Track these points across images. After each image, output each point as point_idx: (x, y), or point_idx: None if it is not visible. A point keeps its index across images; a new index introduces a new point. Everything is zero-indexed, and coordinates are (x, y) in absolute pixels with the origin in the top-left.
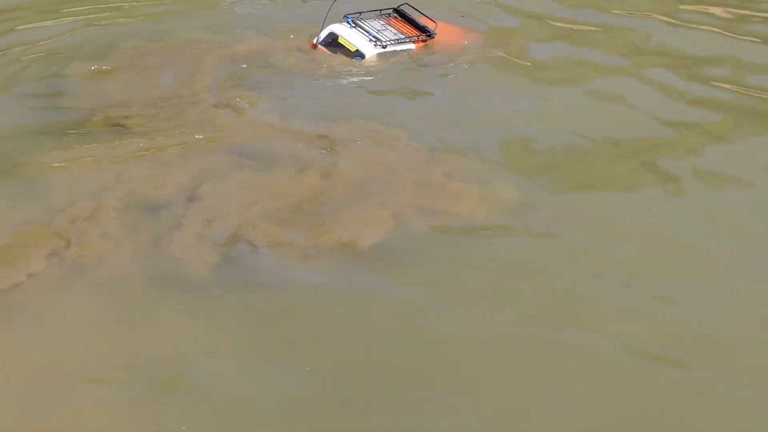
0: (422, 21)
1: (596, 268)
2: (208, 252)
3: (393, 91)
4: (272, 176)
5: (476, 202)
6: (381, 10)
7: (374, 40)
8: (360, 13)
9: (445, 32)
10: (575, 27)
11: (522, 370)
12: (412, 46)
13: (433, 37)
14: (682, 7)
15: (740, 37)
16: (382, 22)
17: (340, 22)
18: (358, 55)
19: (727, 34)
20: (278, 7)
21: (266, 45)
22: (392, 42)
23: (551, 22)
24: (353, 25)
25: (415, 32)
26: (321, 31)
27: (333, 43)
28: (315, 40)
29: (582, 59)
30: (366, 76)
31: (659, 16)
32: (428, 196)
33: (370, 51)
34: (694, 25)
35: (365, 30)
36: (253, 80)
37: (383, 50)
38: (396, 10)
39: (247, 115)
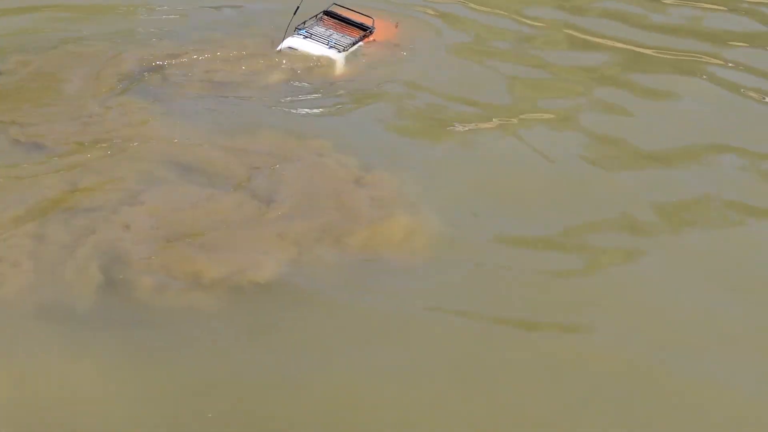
0: (356, 18)
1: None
2: (100, 277)
3: (327, 100)
4: (183, 193)
5: (396, 234)
6: (316, 15)
7: (333, 46)
8: (304, 22)
9: (378, 27)
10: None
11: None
12: (361, 44)
13: (373, 32)
14: None
15: None
16: (323, 28)
17: (293, 35)
18: None
19: None
20: (189, 14)
21: (182, 53)
22: (349, 45)
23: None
24: (307, 36)
25: (358, 32)
26: (281, 42)
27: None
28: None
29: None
30: (297, 84)
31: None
32: (345, 224)
33: (337, 58)
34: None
35: (320, 38)
36: (169, 91)
37: (346, 53)
38: (326, 12)
39: (163, 128)
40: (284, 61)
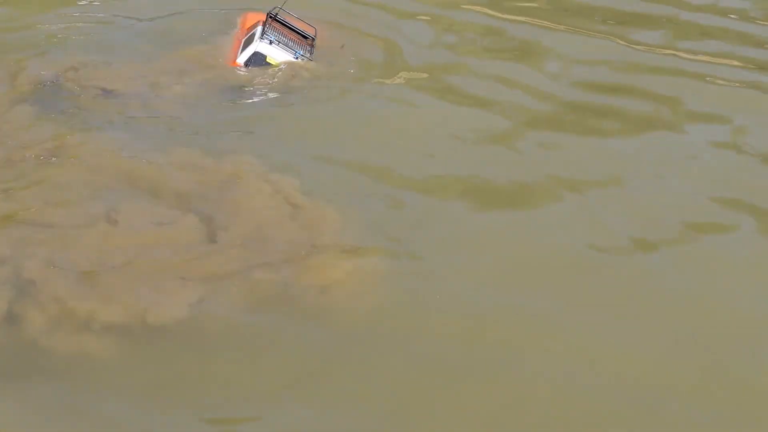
0: (300, 25)
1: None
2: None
3: (271, 118)
4: (99, 223)
5: (321, 274)
6: (265, 21)
7: (299, 55)
8: (264, 29)
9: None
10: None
11: None
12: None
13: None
14: None
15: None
16: (275, 33)
17: (260, 40)
18: None
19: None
20: (112, 23)
21: (105, 65)
22: (310, 54)
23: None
24: (272, 42)
25: (308, 41)
26: (246, 50)
27: (260, 63)
28: (242, 62)
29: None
30: (239, 102)
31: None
32: (266, 261)
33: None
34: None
35: (286, 46)
36: (90, 105)
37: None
38: (273, 17)
39: (87, 145)
40: (222, 73)
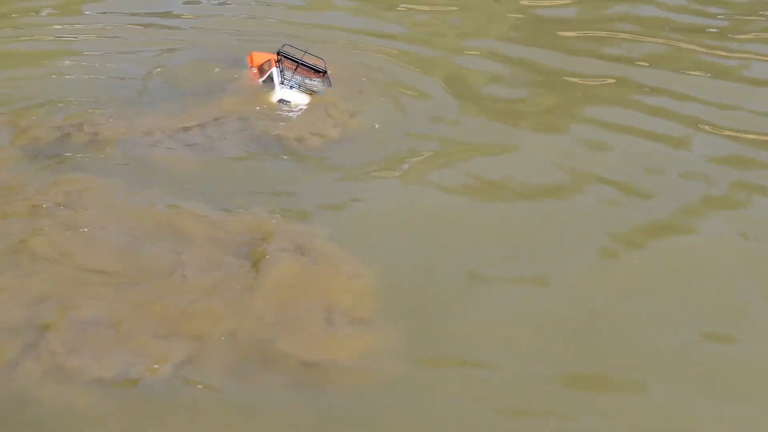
0: (308, 59)
1: None
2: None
3: (293, 165)
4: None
5: (330, 348)
6: (277, 61)
7: (320, 92)
8: (282, 72)
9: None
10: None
11: None
12: None
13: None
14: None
15: None
16: (291, 73)
17: (281, 86)
18: None
19: None
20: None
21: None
22: (329, 86)
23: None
24: (293, 87)
25: (319, 75)
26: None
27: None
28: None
29: None
30: (257, 150)
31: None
32: (272, 321)
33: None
34: None
35: (307, 89)
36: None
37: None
38: (283, 55)
39: (95, 197)
40: (237, 120)
